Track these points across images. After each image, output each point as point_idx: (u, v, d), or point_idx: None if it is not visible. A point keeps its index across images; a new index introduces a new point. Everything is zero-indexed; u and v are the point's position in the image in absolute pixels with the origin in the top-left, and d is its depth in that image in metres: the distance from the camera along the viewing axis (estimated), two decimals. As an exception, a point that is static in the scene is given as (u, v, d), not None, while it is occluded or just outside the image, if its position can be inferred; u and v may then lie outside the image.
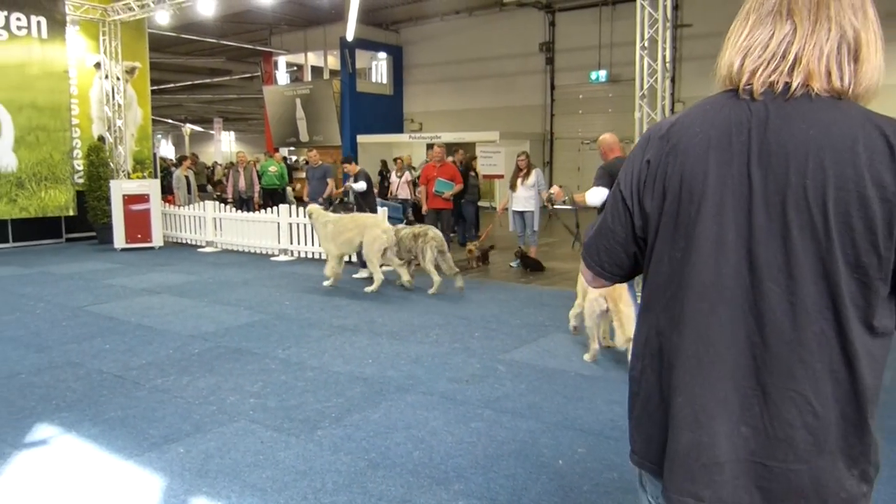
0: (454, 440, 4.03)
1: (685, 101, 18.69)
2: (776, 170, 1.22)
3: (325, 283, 8.74)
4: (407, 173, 15.06)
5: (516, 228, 10.18)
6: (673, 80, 7.85)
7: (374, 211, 9.50)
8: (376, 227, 8.11)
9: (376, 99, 25.04)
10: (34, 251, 12.66)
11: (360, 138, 23.63)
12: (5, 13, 12.48)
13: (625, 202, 1.43)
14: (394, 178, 15.15)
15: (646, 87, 7.58)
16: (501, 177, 19.63)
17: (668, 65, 7.47)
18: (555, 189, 7.60)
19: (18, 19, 12.67)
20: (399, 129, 25.18)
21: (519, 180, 10.00)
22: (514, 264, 10.16)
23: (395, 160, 16.04)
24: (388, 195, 14.80)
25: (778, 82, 1.25)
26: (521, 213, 9.99)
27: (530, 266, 9.87)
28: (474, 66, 23.42)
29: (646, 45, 7.50)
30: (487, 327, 6.75)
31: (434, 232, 8.43)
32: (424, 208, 10.64)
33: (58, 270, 10.38)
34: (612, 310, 5.41)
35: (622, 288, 5.33)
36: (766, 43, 1.28)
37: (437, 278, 8.18)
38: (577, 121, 21.91)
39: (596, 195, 6.17)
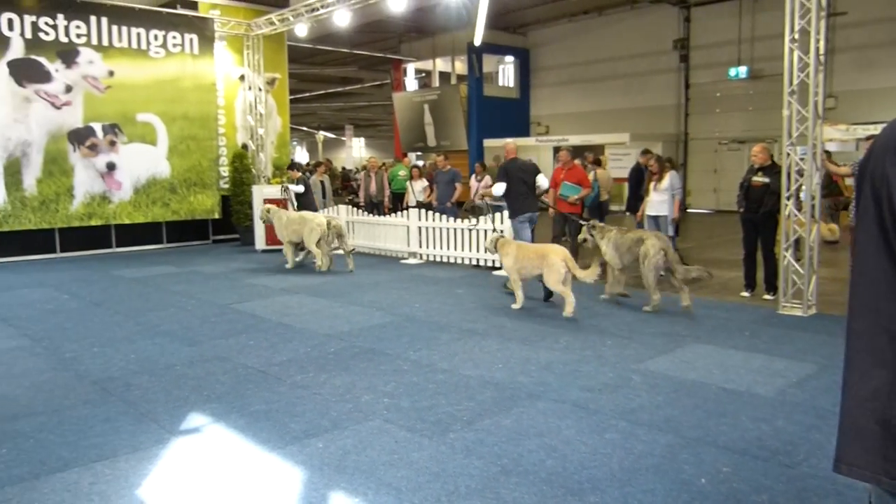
0: (588, 450, 3.92)
1: (838, 95, 17.37)
2: None
3: (287, 266, 10.98)
4: (487, 177, 14.85)
5: (650, 233, 9.84)
6: (825, 74, 7.27)
7: (311, 208, 11.93)
8: (313, 221, 10.63)
9: (503, 103, 25.07)
10: (184, 251, 13.66)
11: (487, 142, 23.74)
12: (163, 32, 13.58)
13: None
14: (473, 181, 14.84)
15: (795, 82, 7.05)
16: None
17: (821, 57, 6.92)
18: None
19: (174, 37, 13.75)
20: (525, 132, 25.08)
21: (652, 184, 9.68)
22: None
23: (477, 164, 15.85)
24: (468, 199, 14.58)
25: None
26: (656, 218, 9.63)
27: None
28: (603, 66, 22.92)
29: (796, 37, 6.99)
30: (619, 335, 6.54)
31: (336, 221, 10.92)
32: (551, 212, 10.49)
33: (205, 270, 11.13)
34: (570, 268, 7.24)
35: (567, 254, 7.38)
36: None
37: (316, 253, 10.61)
38: (714, 120, 20.91)
39: (498, 188, 8.72)
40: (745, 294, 8.30)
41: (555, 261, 7.27)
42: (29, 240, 12.55)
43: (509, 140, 9.40)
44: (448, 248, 11.25)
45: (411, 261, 11.66)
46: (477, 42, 16.49)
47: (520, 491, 3.44)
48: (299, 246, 11.08)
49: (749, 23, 19.37)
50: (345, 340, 6.45)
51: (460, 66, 25.87)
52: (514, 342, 6.32)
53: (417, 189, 13.63)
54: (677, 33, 21.23)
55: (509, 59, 25.73)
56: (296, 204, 12.07)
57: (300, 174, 12.54)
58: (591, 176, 13.05)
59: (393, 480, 3.58)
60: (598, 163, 14.70)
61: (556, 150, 20.56)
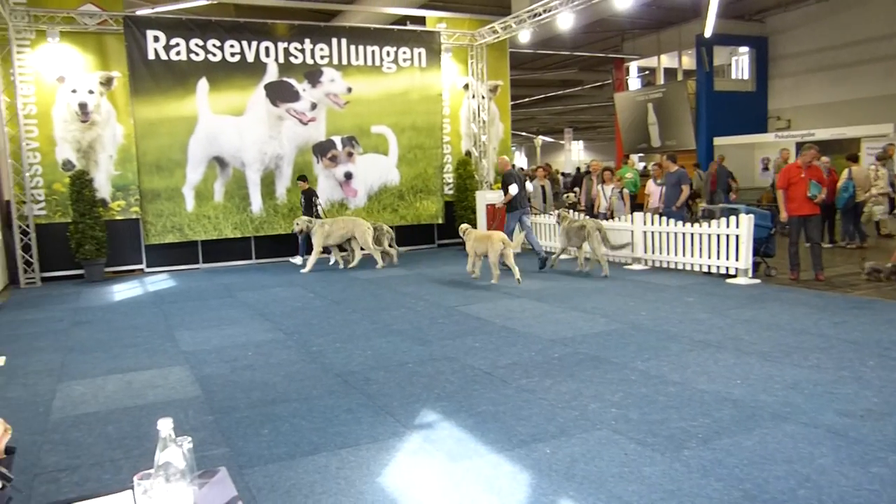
0: (850, 484, 3.45)
1: None
2: None
3: (303, 271, 12.12)
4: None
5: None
6: None
7: (317, 216, 12.72)
8: (363, 224, 12.16)
9: (736, 97, 23.29)
10: (412, 255, 14.40)
11: (717, 140, 22.21)
12: (395, 49, 14.49)
13: None
14: (543, 187, 13.18)
15: None
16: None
17: None
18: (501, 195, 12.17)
19: (404, 53, 14.61)
20: (762, 127, 23.07)
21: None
22: None
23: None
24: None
25: None
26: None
27: None
28: (859, 49, 20.37)
29: None
30: (885, 355, 5.72)
31: (388, 227, 12.89)
32: (784, 215, 9.49)
33: (431, 273, 11.66)
34: (506, 245, 9.77)
35: (504, 237, 9.94)
36: None
37: (376, 257, 12.33)
38: None
39: (514, 188, 11.33)
40: None
41: (495, 242, 9.84)
42: (279, 243, 14.05)
43: (503, 156, 12.89)
44: (676, 254, 10.65)
45: (636, 266, 11.23)
46: (707, 34, 15.54)
47: (768, 522, 3.13)
48: (340, 247, 12.56)
49: None
50: (569, 346, 6.36)
51: (687, 61, 24.51)
52: (753, 356, 5.81)
53: (609, 194, 13.04)
54: (956, 3, 18.24)
55: (743, 49, 23.86)
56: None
57: (307, 186, 13.04)
58: (844, 175, 11.71)
59: (624, 494, 3.43)
60: (854, 159, 13.12)
61: (800, 146, 18.68)
